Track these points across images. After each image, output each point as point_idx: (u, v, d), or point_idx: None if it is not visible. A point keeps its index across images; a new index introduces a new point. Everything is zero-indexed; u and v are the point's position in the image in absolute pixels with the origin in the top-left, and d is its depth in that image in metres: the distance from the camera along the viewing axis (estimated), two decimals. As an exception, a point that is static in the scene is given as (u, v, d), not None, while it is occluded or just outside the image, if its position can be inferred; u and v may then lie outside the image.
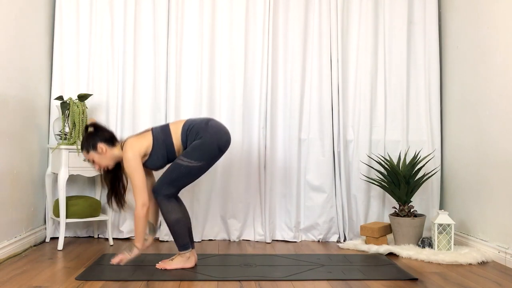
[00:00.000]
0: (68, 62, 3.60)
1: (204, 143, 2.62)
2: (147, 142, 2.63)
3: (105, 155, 2.63)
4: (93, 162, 2.66)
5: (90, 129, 2.68)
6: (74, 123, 3.26)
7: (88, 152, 2.63)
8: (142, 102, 3.64)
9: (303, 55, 3.74)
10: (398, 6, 3.79)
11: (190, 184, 3.26)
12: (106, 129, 2.71)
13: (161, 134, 2.67)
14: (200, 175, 2.71)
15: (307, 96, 3.74)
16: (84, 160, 2.81)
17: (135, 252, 2.52)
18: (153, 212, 2.88)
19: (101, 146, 2.62)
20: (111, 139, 2.67)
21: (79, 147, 3.20)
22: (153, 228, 2.88)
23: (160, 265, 2.67)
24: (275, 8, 3.70)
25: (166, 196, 2.63)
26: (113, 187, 2.74)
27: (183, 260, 2.68)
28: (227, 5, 3.69)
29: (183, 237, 2.66)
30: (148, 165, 2.69)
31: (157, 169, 2.76)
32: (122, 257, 2.52)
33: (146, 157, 2.65)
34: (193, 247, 2.77)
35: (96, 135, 2.64)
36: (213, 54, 3.69)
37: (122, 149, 2.63)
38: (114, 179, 2.74)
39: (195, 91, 3.65)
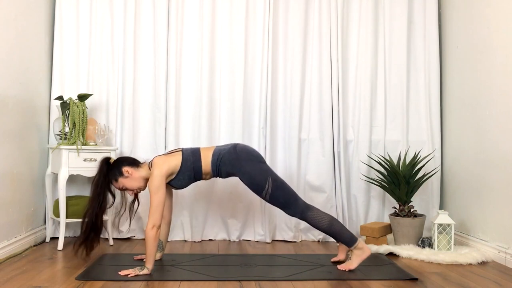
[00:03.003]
0: (68, 62, 3.60)
1: (246, 166, 2.66)
2: (175, 162, 2.64)
3: (133, 177, 2.66)
4: (125, 189, 2.69)
5: (111, 160, 2.71)
6: (74, 123, 3.26)
7: (117, 180, 2.66)
8: (142, 102, 3.65)
9: (303, 55, 3.74)
10: (398, 6, 3.79)
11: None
12: (127, 156, 2.76)
13: (191, 156, 2.68)
14: (277, 175, 2.71)
15: (307, 96, 3.74)
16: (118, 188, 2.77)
17: (145, 271, 2.52)
18: (163, 231, 2.90)
19: (126, 169, 2.65)
20: (134, 162, 2.71)
21: (79, 147, 3.20)
22: (162, 245, 2.90)
23: (343, 266, 2.69)
24: (275, 8, 3.70)
25: (305, 210, 2.67)
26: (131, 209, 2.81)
27: (359, 253, 2.70)
28: (227, 5, 3.69)
29: (345, 232, 2.69)
30: (173, 184, 2.71)
31: (181, 188, 2.77)
32: (131, 271, 2.51)
33: (172, 177, 2.67)
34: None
35: (119, 162, 2.68)
36: (213, 54, 3.69)
37: (149, 168, 2.66)
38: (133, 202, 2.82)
39: (195, 91, 3.65)
